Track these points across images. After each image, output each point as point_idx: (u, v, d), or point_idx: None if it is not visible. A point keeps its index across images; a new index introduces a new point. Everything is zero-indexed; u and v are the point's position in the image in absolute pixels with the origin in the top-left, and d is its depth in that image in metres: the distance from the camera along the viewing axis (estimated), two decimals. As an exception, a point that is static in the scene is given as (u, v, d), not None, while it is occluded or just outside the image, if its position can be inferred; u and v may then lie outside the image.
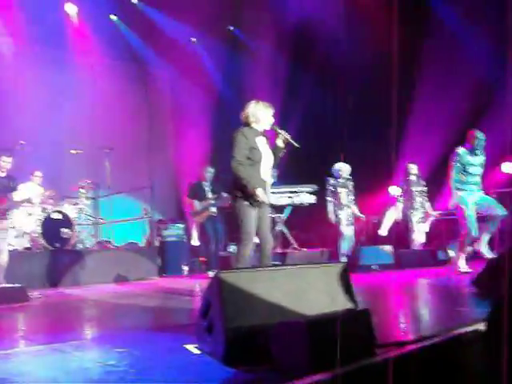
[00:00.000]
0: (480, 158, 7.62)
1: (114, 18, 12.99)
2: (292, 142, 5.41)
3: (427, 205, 10.30)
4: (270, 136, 5.54)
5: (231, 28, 14.04)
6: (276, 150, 5.44)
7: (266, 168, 5.40)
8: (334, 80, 12.53)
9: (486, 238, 7.51)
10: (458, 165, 7.53)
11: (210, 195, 9.51)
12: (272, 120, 5.44)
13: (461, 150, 7.56)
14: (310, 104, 12.63)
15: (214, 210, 9.46)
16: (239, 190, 5.28)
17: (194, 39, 13.91)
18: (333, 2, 11.74)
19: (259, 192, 5.19)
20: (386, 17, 9.57)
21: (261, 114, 5.38)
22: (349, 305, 3.27)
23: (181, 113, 13.37)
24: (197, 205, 9.47)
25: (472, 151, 7.54)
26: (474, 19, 10.81)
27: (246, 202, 5.25)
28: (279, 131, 5.42)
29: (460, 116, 10.10)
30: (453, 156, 7.61)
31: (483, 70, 10.74)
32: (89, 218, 10.18)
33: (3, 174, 7.36)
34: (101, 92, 11.99)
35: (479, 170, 7.64)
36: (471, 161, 7.55)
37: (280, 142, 5.42)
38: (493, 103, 9.88)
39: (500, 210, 7.41)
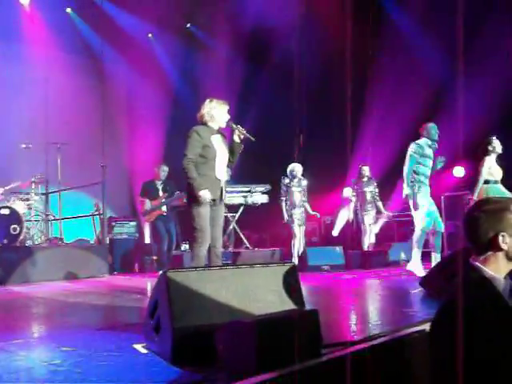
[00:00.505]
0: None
1: (69, 10, 12.79)
2: (248, 136, 5.43)
3: (380, 205, 10.46)
4: (227, 133, 5.55)
5: (188, 25, 13.99)
6: (233, 146, 5.45)
7: (221, 166, 5.40)
8: (289, 80, 12.62)
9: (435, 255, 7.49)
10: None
11: (161, 194, 9.46)
12: (227, 117, 5.44)
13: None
14: (266, 103, 12.68)
15: (164, 209, 9.40)
16: (193, 190, 5.27)
17: (150, 35, 13.81)
18: (289, 3, 11.81)
19: (202, 193, 5.19)
20: (341, 18, 9.67)
21: (215, 111, 5.38)
22: (297, 305, 3.30)
23: (136, 109, 13.27)
24: (147, 204, 9.41)
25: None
26: (427, 22, 11.03)
27: (202, 202, 5.23)
28: (234, 127, 5.43)
29: (412, 118, 10.28)
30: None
31: (435, 72, 10.96)
32: (39, 214, 10.00)
33: None
34: (54, 86, 11.78)
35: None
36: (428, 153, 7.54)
37: (236, 138, 5.43)
38: (444, 106, 10.08)
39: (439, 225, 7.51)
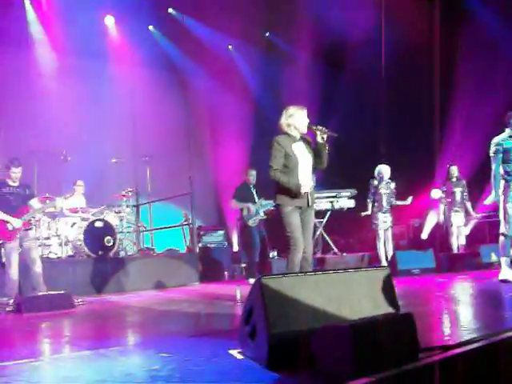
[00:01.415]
0: None
1: (151, 28, 13.18)
2: (331, 133, 5.39)
3: (469, 205, 10.17)
4: (312, 137, 5.53)
5: (267, 34, 14.10)
6: (319, 147, 5.43)
7: (305, 173, 5.40)
8: (372, 82, 12.48)
9: None
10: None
11: (257, 199, 9.36)
12: (306, 121, 5.43)
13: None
14: (349, 108, 12.60)
15: (262, 214, 9.34)
16: (282, 195, 5.33)
17: (230, 46, 14.02)
18: (368, 5, 11.70)
19: (304, 188, 5.24)
20: (425, 22, 9.50)
21: (293, 118, 5.39)
22: (392, 309, 3.26)
23: (219, 120, 13.47)
24: (252, 208, 9.26)
25: None
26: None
27: (290, 207, 5.29)
28: (315, 128, 5.40)
29: (499, 115, 9.94)
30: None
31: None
32: (130, 225, 10.33)
33: (16, 184, 7.30)
34: (140, 102, 12.19)
35: None
36: None
37: (319, 138, 5.39)
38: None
39: None
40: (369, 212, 9.75)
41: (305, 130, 5.45)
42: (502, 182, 6.95)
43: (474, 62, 11.33)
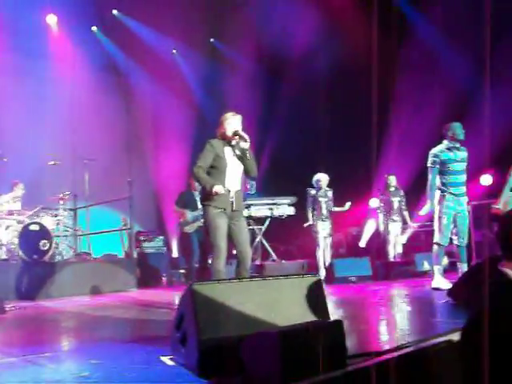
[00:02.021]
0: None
1: (94, 29, 13.01)
2: (242, 134, 5.40)
3: (406, 214, 10.39)
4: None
5: (212, 40, 14.11)
6: (242, 152, 5.47)
7: (233, 177, 5.45)
8: (312, 93, 12.65)
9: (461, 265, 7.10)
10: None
11: (199, 205, 9.37)
12: (236, 127, 5.46)
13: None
14: (290, 116, 12.72)
15: (202, 220, 9.34)
16: (206, 197, 5.37)
17: (175, 51, 13.96)
18: (310, 17, 11.86)
19: (217, 188, 5.24)
20: (364, 29, 9.68)
21: (226, 124, 5.47)
22: (321, 316, 3.30)
23: (161, 124, 13.38)
24: (188, 215, 9.31)
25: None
26: (451, 32, 10.99)
27: (215, 211, 5.29)
28: (238, 134, 5.44)
29: (437, 127, 10.22)
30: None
31: (460, 81, 10.90)
32: (67, 229, 10.13)
33: None
34: (81, 103, 11.97)
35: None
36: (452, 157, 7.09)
37: (242, 144, 5.45)
38: (470, 114, 10.01)
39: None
40: (311, 222, 9.82)
41: (230, 135, 5.47)
42: (438, 193, 7.14)
43: (413, 73, 11.62)
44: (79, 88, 12.05)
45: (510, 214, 2.50)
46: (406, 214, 10.43)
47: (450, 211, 7.05)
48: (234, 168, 5.48)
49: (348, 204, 9.99)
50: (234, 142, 5.50)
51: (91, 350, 3.94)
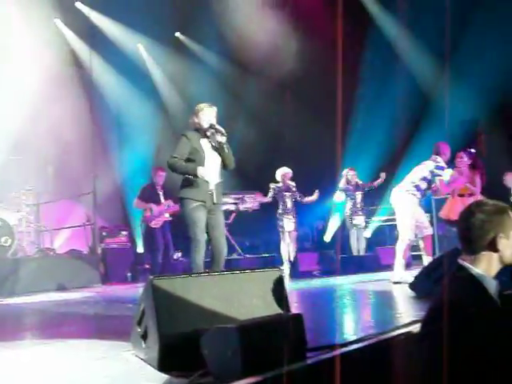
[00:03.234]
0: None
1: (57, 21, 12.80)
2: (218, 128, 5.39)
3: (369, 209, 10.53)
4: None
5: (177, 34, 14.02)
6: (219, 145, 5.43)
7: (211, 169, 5.38)
8: (277, 87, 12.69)
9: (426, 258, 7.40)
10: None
11: (163, 200, 9.34)
12: (211, 120, 5.45)
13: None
14: (255, 111, 12.73)
15: (167, 215, 9.31)
16: (186, 188, 5.31)
17: (139, 45, 13.83)
18: (276, 12, 11.88)
19: (201, 170, 5.20)
20: (327, 23, 9.73)
21: (201, 115, 5.44)
22: (282, 310, 3.33)
23: (125, 119, 13.26)
24: (154, 209, 9.26)
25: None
26: (413, 30, 11.12)
27: (194, 204, 5.22)
28: (214, 127, 5.43)
29: (398, 123, 10.35)
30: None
31: (421, 74, 11.05)
32: (30, 225, 9.99)
33: None
34: (43, 97, 11.76)
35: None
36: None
37: (217, 139, 5.43)
38: (429, 111, 10.17)
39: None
40: (278, 216, 9.83)
41: (206, 127, 5.45)
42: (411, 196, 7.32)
43: (376, 69, 11.74)
44: (41, 81, 11.83)
45: (470, 207, 2.55)
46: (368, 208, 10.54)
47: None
48: (212, 160, 5.41)
49: (316, 192, 10.01)
50: (208, 133, 5.43)
51: (52, 347, 3.91)
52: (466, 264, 2.48)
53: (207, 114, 5.45)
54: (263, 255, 11.18)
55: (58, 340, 4.21)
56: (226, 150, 5.46)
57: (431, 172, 7.35)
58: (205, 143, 5.42)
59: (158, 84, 13.88)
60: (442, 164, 7.39)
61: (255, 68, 12.81)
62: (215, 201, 5.38)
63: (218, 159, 5.47)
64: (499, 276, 2.53)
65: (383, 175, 10.12)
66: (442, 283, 2.63)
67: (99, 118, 12.49)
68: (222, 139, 5.41)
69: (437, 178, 7.29)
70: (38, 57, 11.71)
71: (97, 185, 9.67)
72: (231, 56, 13.14)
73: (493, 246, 2.44)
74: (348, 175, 10.54)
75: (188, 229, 5.27)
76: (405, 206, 7.36)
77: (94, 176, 9.61)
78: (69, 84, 12.38)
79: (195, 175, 5.22)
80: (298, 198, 9.89)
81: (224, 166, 5.57)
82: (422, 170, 7.41)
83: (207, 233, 5.37)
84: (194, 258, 5.25)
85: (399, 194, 7.43)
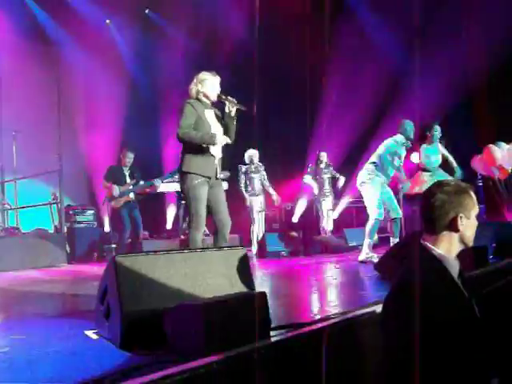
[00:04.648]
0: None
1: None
2: (239, 106, 5.16)
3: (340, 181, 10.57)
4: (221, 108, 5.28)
5: (147, 11, 13.82)
6: (227, 119, 5.17)
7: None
8: (246, 68, 12.61)
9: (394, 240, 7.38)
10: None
11: (128, 180, 9.29)
12: (218, 89, 5.18)
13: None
14: (223, 90, 12.63)
15: (131, 196, 9.25)
16: (191, 162, 5.03)
17: (108, 21, 13.60)
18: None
19: (219, 137, 4.99)
20: (298, 5, 9.72)
21: (205, 85, 5.13)
22: (247, 288, 3.33)
23: (92, 96, 13.06)
24: (116, 189, 9.19)
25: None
26: (383, 11, 11.14)
27: (198, 180, 4.98)
28: (224, 97, 5.15)
29: (369, 103, 10.39)
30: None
31: (391, 59, 11.09)
32: (-6, 203, 9.85)
33: None
34: (7, 72, 11.52)
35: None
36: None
37: (227, 109, 5.14)
38: (400, 92, 10.21)
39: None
40: (246, 198, 9.81)
41: (215, 99, 5.17)
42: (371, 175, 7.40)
43: (347, 48, 11.72)
44: (6, 57, 11.58)
45: (431, 187, 2.56)
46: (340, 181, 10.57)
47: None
48: (217, 132, 5.11)
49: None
50: (224, 100, 5.11)
51: (15, 326, 3.86)
52: (428, 244, 2.50)
53: (214, 84, 5.17)
54: (231, 235, 11.15)
55: (21, 319, 4.16)
56: (235, 123, 5.22)
57: (387, 148, 7.37)
58: (209, 113, 5.13)
59: (126, 61, 13.67)
60: (401, 140, 7.40)
61: (226, 46, 12.71)
62: (218, 175, 5.18)
63: (221, 132, 5.18)
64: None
65: (342, 179, 10.37)
66: (404, 264, 2.66)
67: (66, 95, 12.29)
68: (234, 109, 5.14)
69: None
70: (3, 31, 11.43)
71: (63, 164, 9.54)
72: (201, 34, 13.01)
73: (453, 226, 2.46)
74: (320, 156, 10.57)
75: (190, 204, 5.02)
76: (367, 186, 7.42)
77: (59, 154, 9.47)
78: (35, 60, 12.15)
79: (213, 143, 4.99)
80: (265, 182, 9.88)
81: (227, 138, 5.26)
82: (379, 148, 7.47)
83: (211, 208, 5.13)
84: (194, 235, 5.01)
85: (362, 174, 7.49)
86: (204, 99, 5.17)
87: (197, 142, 4.98)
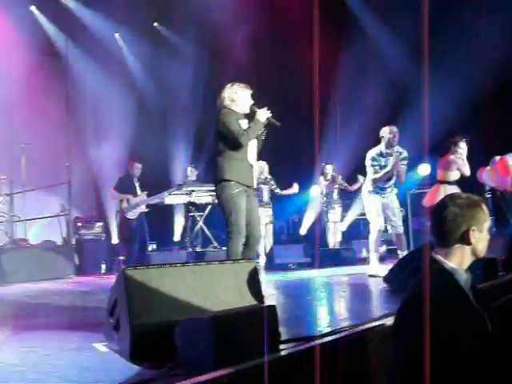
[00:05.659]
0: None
1: (33, 8, 12.61)
2: (273, 121, 5.11)
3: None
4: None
5: (155, 24, 13.91)
6: (264, 129, 5.15)
7: (252, 152, 5.13)
8: (254, 81, 12.65)
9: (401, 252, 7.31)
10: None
11: (139, 191, 9.29)
12: (251, 101, 5.15)
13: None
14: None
15: (144, 206, 9.25)
16: (233, 171, 4.95)
17: (117, 34, 13.70)
18: (254, 3, 11.85)
19: (266, 113, 4.99)
20: (305, 18, 9.71)
21: (237, 96, 5.11)
22: (256, 301, 3.32)
23: (101, 108, 13.13)
24: (132, 200, 9.17)
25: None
26: (389, 19, 11.17)
27: (238, 189, 4.90)
28: (257, 110, 5.09)
29: (376, 116, 10.37)
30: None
31: (398, 69, 11.10)
32: (3, 215, 9.87)
33: None
34: (17, 85, 11.60)
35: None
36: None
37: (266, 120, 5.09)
38: (408, 104, 10.19)
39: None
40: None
41: (247, 110, 5.14)
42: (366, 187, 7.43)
43: (354, 61, 11.73)
44: (16, 70, 11.66)
45: (443, 200, 2.56)
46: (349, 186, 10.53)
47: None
48: (252, 142, 5.08)
49: (295, 185, 10.02)
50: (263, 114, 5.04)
51: (24, 338, 3.86)
52: (439, 257, 2.49)
53: (246, 96, 5.14)
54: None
55: (30, 331, 4.16)
56: (265, 135, 5.20)
57: (371, 159, 7.28)
58: (243, 123, 5.07)
59: (134, 74, 13.75)
60: (381, 149, 7.29)
61: (234, 58, 12.75)
62: (254, 185, 5.17)
63: (255, 143, 5.17)
64: (472, 269, 2.54)
65: (361, 179, 10.15)
66: (414, 276, 2.64)
67: (75, 107, 12.35)
68: (265, 122, 5.08)
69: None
70: (13, 45, 11.53)
71: (72, 175, 9.57)
72: (209, 49, 13.07)
73: (465, 240, 2.45)
74: (325, 169, 10.58)
75: (230, 214, 4.89)
76: (364, 198, 7.47)
77: (68, 166, 9.50)
78: (44, 73, 12.23)
79: (261, 129, 4.99)
80: (276, 191, 9.89)
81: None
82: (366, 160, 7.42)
83: None
84: (234, 246, 4.86)
85: (363, 187, 7.53)
86: (236, 109, 5.12)
87: (256, 132, 4.99)
